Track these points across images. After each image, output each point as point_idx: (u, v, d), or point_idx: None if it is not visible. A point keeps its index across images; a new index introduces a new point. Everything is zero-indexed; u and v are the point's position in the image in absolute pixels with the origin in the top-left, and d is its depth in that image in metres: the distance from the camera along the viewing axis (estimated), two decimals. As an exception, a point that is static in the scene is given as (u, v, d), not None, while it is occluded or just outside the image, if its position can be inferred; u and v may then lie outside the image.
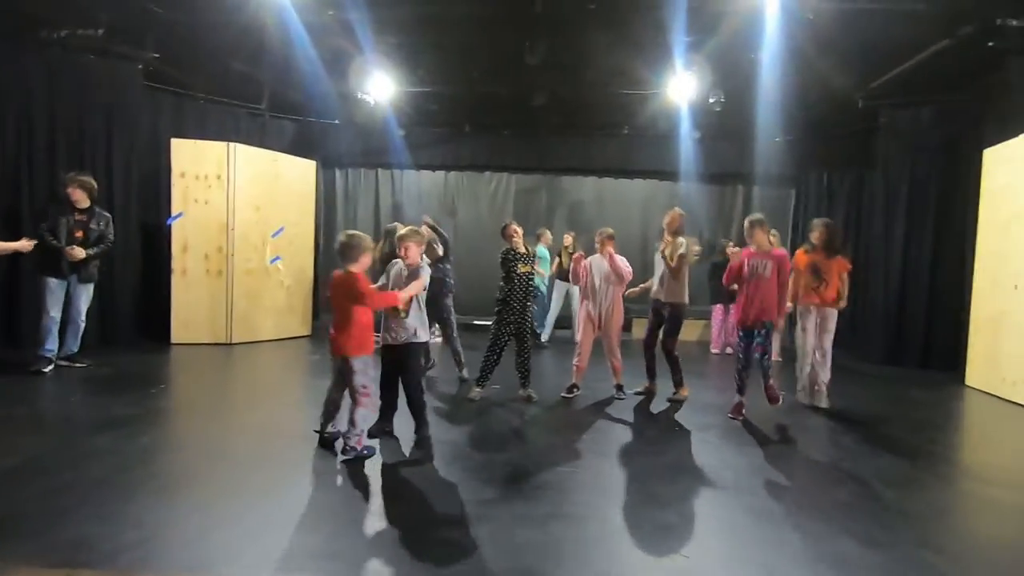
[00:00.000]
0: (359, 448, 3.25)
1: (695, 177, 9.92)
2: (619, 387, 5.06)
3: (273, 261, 7.34)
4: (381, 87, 7.94)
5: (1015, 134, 5.57)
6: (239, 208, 6.91)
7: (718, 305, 7.84)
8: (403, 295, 3.39)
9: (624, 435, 4.03)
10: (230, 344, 6.88)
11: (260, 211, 7.15)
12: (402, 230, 3.74)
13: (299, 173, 7.85)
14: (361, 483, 2.98)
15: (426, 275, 3.53)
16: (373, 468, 3.18)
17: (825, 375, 4.83)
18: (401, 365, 3.54)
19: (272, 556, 2.18)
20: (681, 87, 7.76)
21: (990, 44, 5.82)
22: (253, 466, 3.18)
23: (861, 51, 6.72)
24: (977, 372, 5.87)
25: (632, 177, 10.47)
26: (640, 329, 7.93)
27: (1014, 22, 5.66)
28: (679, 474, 3.25)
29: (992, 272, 5.75)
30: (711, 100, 8.09)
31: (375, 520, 2.58)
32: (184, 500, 2.68)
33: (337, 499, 2.81)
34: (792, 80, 7.39)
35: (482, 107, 9.40)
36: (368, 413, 3.32)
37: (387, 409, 3.67)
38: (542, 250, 8.08)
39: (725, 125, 9.14)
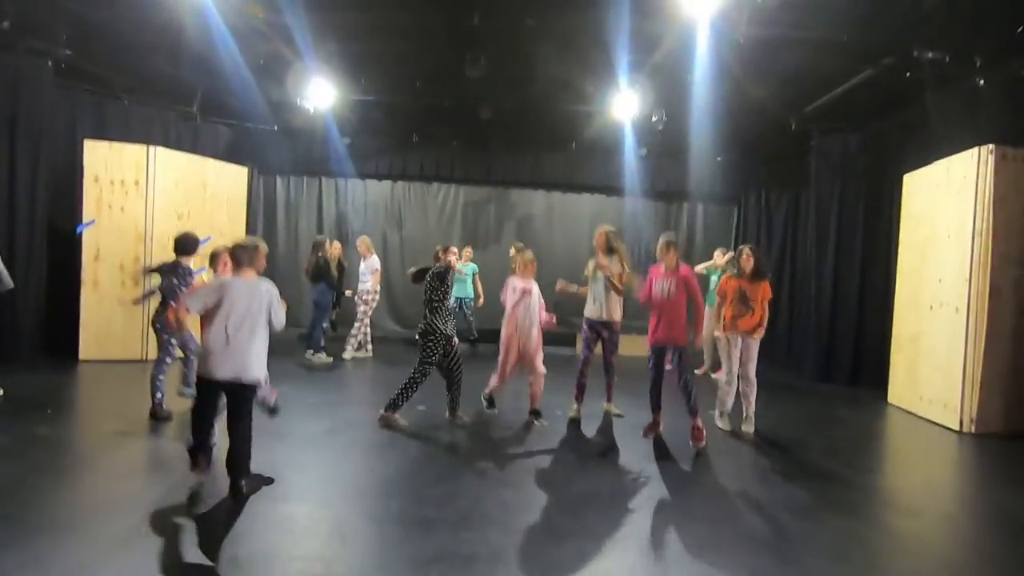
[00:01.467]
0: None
1: (641, 193, 10.04)
2: (536, 412, 4.90)
3: (198, 272, 6.94)
4: (322, 94, 7.68)
5: (933, 160, 5.78)
6: (159, 216, 6.53)
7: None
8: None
9: (539, 462, 3.91)
10: (146, 361, 6.45)
11: (184, 219, 6.76)
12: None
13: (230, 180, 7.52)
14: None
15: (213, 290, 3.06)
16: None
17: (751, 404, 4.74)
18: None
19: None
20: (624, 105, 7.82)
21: (908, 75, 6.06)
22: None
23: (792, 77, 6.90)
24: (898, 390, 6.04)
25: (580, 192, 10.50)
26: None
27: (929, 54, 5.90)
28: (584, 506, 3.14)
29: (911, 292, 5.93)
30: (653, 119, 8.19)
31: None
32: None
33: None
34: (730, 102, 7.55)
35: (428, 117, 9.25)
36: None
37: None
38: (465, 267, 8.13)
39: (669, 144, 9.27)
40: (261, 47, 6.62)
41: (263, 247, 3.16)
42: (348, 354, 7.34)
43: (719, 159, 9.53)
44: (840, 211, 7.55)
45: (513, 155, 9.99)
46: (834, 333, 7.49)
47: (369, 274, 7.50)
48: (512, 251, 8.22)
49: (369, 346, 7.61)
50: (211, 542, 2.53)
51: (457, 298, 8.12)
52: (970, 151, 5.16)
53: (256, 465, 3.03)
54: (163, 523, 2.80)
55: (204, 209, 7.06)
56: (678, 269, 4.48)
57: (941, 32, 5.64)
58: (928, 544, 2.99)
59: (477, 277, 8.49)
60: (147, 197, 6.47)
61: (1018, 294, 5.01)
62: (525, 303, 4.74)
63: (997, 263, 4.96)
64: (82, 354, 6.26)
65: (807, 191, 8.30)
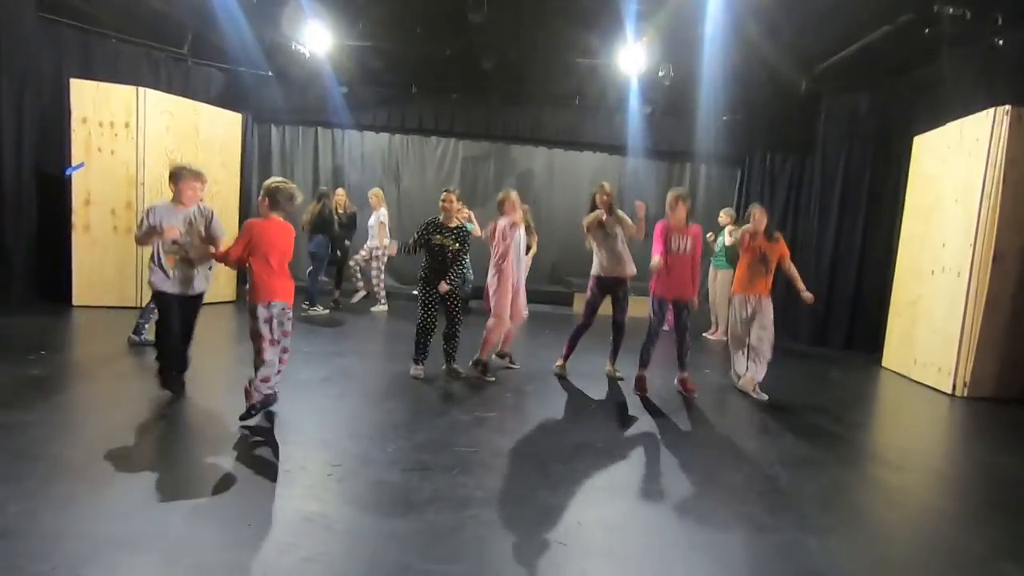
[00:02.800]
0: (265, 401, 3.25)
1: (644, 153, 9.84)
2: (507, 355, 5.02)
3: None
4: (318, 38, 7.40)
5: (945, 122, 5.64)
6: (150, 161, 6.36)
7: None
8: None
9: (536, 414, 3.93)
10: (141, 308, 6.40)
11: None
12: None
13: (223, 126, 7.30)
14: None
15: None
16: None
17: (764, 363, 4.61)
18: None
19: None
20: (631, 58, 7.58)
21: (926, 31, 5.83)
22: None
23: (806, 33, 6.66)
24: (893, 354, 6.07)
25: (582, 149, 10.28)
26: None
27: (950, 10, 5.67)
28: (579, 455, 3.16)
29: (913, 257, 5.89)
30: (660, 74, 7.95)
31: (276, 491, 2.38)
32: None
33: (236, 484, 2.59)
34: (739, 60, 7.31)
35: (428, 67, 8.94)
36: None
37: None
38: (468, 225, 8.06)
39: (674, 102, 9.03)
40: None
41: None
42: (377, 307, 7.55)
43: (725, 119, 9.28)
44: (845, 175, 7.43)
45: (514, 109, 9.71)
46: (831, 297, 7.48)
47: (376, 227, 7.46)
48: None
49: (383, 299, 7.66)
50: (205, 481, 2.54)
51: None
52: (985, 112, 5.02)
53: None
54: (155, 458, 2.82)
55: (197, 155, 6.86)
56: (692, 225, 4.41)
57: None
58: (914, 496, 3.04)
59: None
60: (138, 140, 6.28)
61: (1022, 260, 4.97)
62: (515, 240, 4.67)
63: (1003, 228, 4.90)
64: (75, 300, 6.20)
65: (813, 154, 8.14)
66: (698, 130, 9.32)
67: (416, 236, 4.45)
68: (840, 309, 7.41)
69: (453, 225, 4.45)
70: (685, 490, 2.81)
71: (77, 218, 6.16)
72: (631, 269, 4.68)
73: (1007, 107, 4.85)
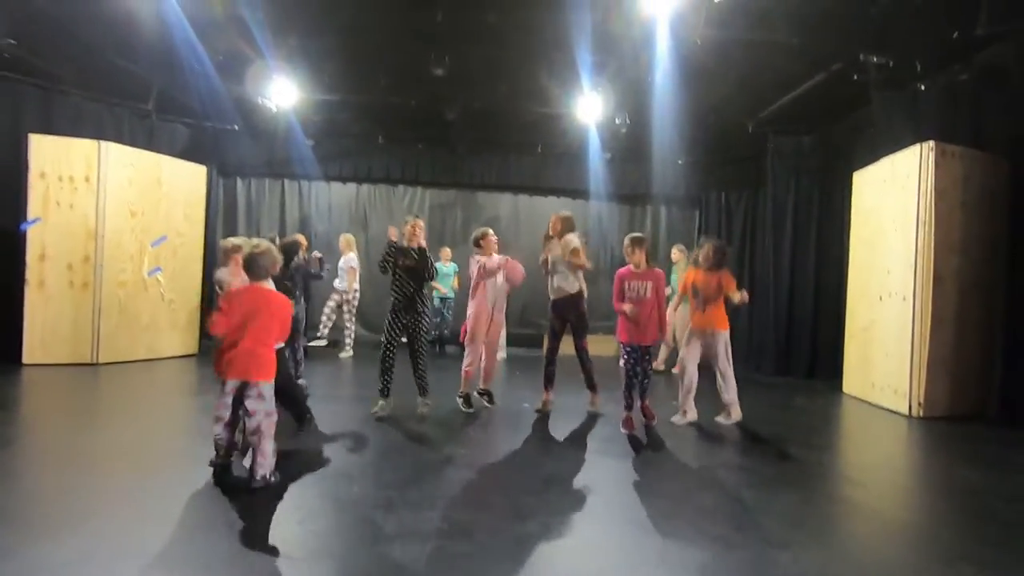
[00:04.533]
0: (268, 477, 2.90)
1: (606, 196, 10.19)
2: (487, 393, 4.98)
3: (152, 273, 6.73)
4: (284, 93, 7.58)
5: (880, 158, 6.06)
6: (111, 214, 6.29)
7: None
8: None
9: (505, 448, 3.90)
10: (96, 364, 6.18)
11: (137, 217, 6.55)
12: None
13: (187, 179, 7.31)
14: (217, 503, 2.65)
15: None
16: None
17: (730, 394, 4.72)
18: None
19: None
20: (588, 108, 7.96)
21: (855, 78, 6.35)
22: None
23: (748, 80, 7.15)
24: (852, 379, 6.26)
25: (546, 195, 10.57)
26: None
27: (875, 59, 6.20)
28: (549, 486, 3.14)
29: (862, 284, 6.18)
30: (617, 122, 8.38)
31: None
32: None
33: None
34: (690, 105, 7.76)
35: (394, 119, 9.22)
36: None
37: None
38: (446, 267, 8.17)
39: (632, 147, 9.44)
40: (220, 43, 6.50)
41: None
42: (344, 353, 7.53)
43: (680, 161, 9.75)
44: (795, 209, 7.84)
45: (479, 157, 10.02)
46: (791, 328, 7.73)
47: (345, 271, 7.49)
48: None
49: (350, 345, 7.61)
50: (160, 530, 2.43)
51: (441, 298, 8.38)
52: (912, 148, 5.43)
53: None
54: (124, 510, 2.68)
55: (159, 207, 6.84)
56: (652, 269, 4.56)
57: (885, 38, 5.96)
58: (877, 511, 3.08)
59: (456, 277, 8.59)
60: (98, 194, 6.23)
61: (959, 282, 5.27)
62: (492, 280, 4.77)
63: (939, 253, 5.21)
64: (26, 357, 5.95)
65: (764, 191, 8.58)
66: (656, 173, 9.77)
67: (384, 257, 4.54)
68: (800, 339, 7.64)
69: (415, 246, 4.56)
70: (653, 513, 2.80)
71: (31, 273, 5.99)
72: (576, 287, 4.79)
73: (931, 143, 5.27)
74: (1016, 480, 3.61)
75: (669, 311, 4.90)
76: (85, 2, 5.68)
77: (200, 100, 7.85)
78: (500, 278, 4.86)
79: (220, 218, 9.26)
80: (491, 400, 5.02)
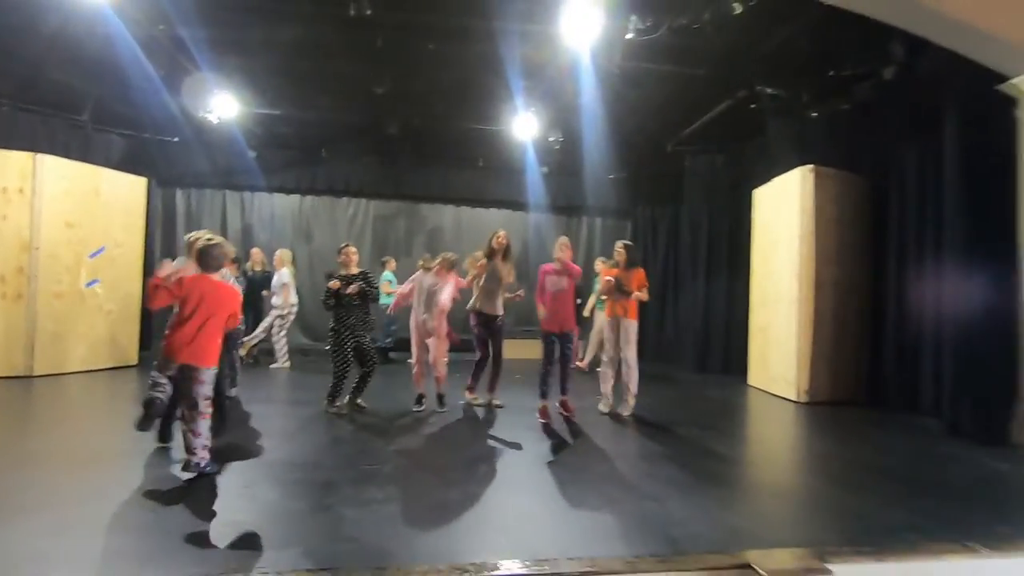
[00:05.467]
0: (203, 464, 3.15)
1: (544, 208, 10.78)
2: (439, 396, 5.32)
3: (90, 284, 6.74)
4: (225, 106, 7.75)
5: (774, 177, 6.89)
6: (46, 225, 6.30)
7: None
8: None
9: (440, 435, 4.33)
10: (31, 377, 6.15)
11: (74, 229, 6.57)
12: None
13: (125, 190, 7.34)
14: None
15: None
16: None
17: (633, 385, 5.29)
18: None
19: None
20: (524, 125, 8.52)
21: (752, 106, 7.19)
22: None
23: (664, 105, 7.92)
24: (754, 372, 7.04)
25: (488, 207, 11.04)
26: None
27: (769, 90, 7.06)
28: (474, 464, 3.60)
29: (761, 290, 6.98)
30: (550, 139, 9.00)
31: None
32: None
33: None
34: (616, 125, 8.47)
35: (337, 132, 9.48)
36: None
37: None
38: (389, 274, 8.48)
39: (567, 162, 10.08)
40: (161, 58, 6.64)
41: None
42: (278, 364, 7.56)
43: (611, 177, 10.49)
44: (709, 223, 8.66)
45: (422, 170, 10.37)
46: (708, 329, 8.52)
47: (279, 287, 7.60)
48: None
49: (285, 357, 7.70)
50: (137, 505, 2.71)
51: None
52: (796, 170, 6.26)
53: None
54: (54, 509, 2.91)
55: (97, 219, 6.87)
56: (568, 266, 5.11)
57: (776, 72, 6.81)
58: (758, 476, 3.71)
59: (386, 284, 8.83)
60: (33, 206, 6.23)
61: (836, 286, 6.11)
62: (419, 289, 5.22)
63: (820, 262, 6.05)
64: (-45, 370, 5.87)
65: (684, 205, 9.41)
66: (589, 187, 10.44)
67: (326, 300, 4.91)
68: (716, 338, 8.44)
69: (354, 272, 4.92)
70: (561, 481, 3.31)
71: (-39, 285, 5.93)
72: (499, 309, 5.31)
73: (810, 166, 6.11)
74: (867, 450, 4.35)
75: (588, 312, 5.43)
76: (19, 15, 5.74)
77: (140, 112, 7.91)
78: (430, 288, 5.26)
79: (159, 229, 9.24)
80: (442, 403, 5.28)
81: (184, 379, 3.13)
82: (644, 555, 2.32)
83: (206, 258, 3.24)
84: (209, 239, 3.38)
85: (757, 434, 5.09)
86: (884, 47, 5.82)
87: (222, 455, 3.51)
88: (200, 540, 2.42)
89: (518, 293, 5.37)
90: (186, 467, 3.13)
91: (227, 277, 3.69)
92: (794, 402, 6.00)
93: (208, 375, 3.16)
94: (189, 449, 3.12)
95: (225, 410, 4.19)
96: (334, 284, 4.85)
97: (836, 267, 6.12)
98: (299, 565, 2.18)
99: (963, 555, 2.40)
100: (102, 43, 6.19)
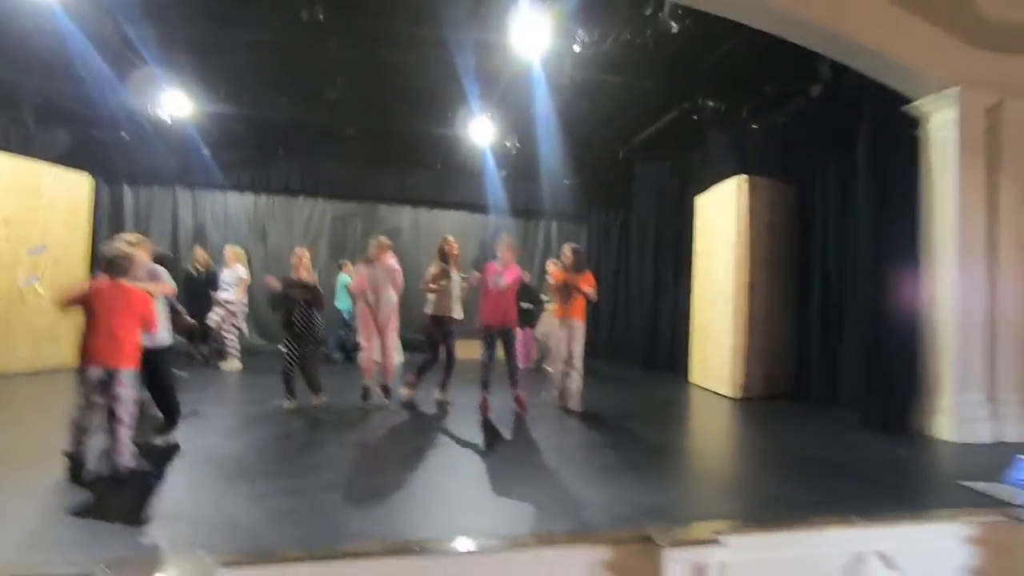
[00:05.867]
0: (133, 465, 3.18)
1: (503, 211, 10.98)
2: (385, 388, 5.44)
3: (29, 282, 6.57)
4: (178, 104, 7.66)
5: (712, 186, 7.29)
6: (-17, 222, 6.13)
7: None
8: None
9: (379, 431, 4.47)
10: (-34, 378, 5.97)
11: (12, 226, 6.40)
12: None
13: (68, 187, 7.18)
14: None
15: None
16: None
17: (578, 381, 5.56)
18: (154, 370, 3.61)
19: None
20: (481, 130, 8.69)
21: (695, 118, 7.58)
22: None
23: (613, 115, 8.25)
24: (695, 370, 7.41)
25: (446, 208, 11.19)
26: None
27: (710, 103, 7.45)
28: (414, 456, 3.75)
29: (701, 291, 7.36)
30: (507, 144, 9.21)
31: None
32: None
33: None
34: (570, 133, 8.75)
35: (294, 132, 9.44)
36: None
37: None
38: (344, 278, 8.49)
39: (524, 167, 10.30)
40: (110, 55, 6.54)
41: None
42: (228, 363, 7.46)
43: (566, 182, 10.78)
44: (657, 227, 9.04)
45: (380, 171, 10.41)
46: (655, 329, 8.88)
47: (233, 284, 7.55)
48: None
49: (236, 354, 7.64)
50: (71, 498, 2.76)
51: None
52: (732, 179, 6.65)
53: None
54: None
55: (37, 216, 6.70)
56: (509, 267, 5.32)
57: (717, 86, 7.20)
58: (690, 468, 4.01)
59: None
60: (-31, 201, 6.05)
61: (768, 287, 6.52)
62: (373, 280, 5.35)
63: (753, 264, 6.44)
64: None
65: (634, 211, 9.77)
66: (546, 191, 10.70)
67: (274, 304, 5.04)
68: (663, 338, 8.80)
69: (305, 279, 5.02)
70: (495, 466, 3.53)
71: None
72: (458, 313, 5.48)
73: (744, 176, 6.51)
74: (787, 440, 4.72)
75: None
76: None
77: (88, 108, 7.73)
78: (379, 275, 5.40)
79: (105, 226, 9.01)
80: (388, 395, 5.44)
81: (106, 383, 3.20)
82: (558, 532, 2.53)
83: (113, 266, 3.35)
84: (117, 249, 3.44)
85: (690, 426, 5.41)
86: (812, 67, 6.27)
87: (166, 452, 3.57)
88: (135, 526, 2.51)
89: (474, 275, 5.55)
90: (112, 468, 3.16)
91: (159, 276, 3.74)
92: (729, 398, 6.36)
93: (127, 376, 3.22)
94: (111, 452, 3.18)
95: (176, 408, 4.17)
96: (269, 281, 5.02)
97: (768, 270, 6.54)
98: (239, 549, 2.29)
99: (841, 525, 2.71)
100: (49, 39, 6.08)
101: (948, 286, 4.75)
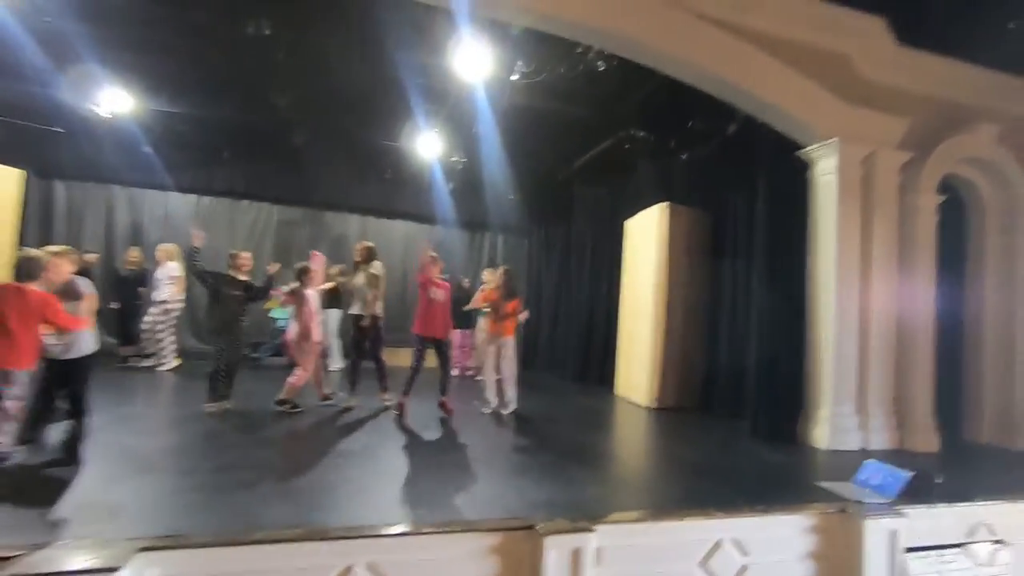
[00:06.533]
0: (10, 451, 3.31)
1: (449, 223, 11.28)
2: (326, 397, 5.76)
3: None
4: (117, 101, 7.60)
5: (641, 211, 7.85)
6: (-100, 215, 5.95)
7: (456, 330, 9.04)
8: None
9: (304, 432, 4.69)
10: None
11: (-68, 219, 6.23)
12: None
13: (-3, 181, 7.01)
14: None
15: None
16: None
17: (512, 391, 5.99)
18: (69, 377, 3.70)
19: None
20: (428, 144, 8.99)
21: (627, 147, 8.15)
22: None
23: (553, 140, 8.74)
24: (620, 382, 7.92)
25: (394, 218, 11.41)
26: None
27: (641, 133, 8.04)
28: (344, 456, 4.01)
29: (628, 307, 7.90)
30: (454, 159, 9.54)
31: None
32: None
33: None
34: (512, 151, 9.17)
35: (239, 135, 9.45)
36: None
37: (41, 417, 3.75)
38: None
39: (470, 181, 10.63)
40: (47, 49, 6.48)
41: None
42: (167, 364, 7.40)
43: (511, 197, 11.20)
44: (594, 246, 9.57)
45: (328, 179, 10.50)
46: (588, 343, 9.37)
47: (166, 281, 7.50)
48: (334, 270, 8.78)
49: (172, 357, 7.59)
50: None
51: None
52: (656, 206, 7.23)
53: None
54: None
55: (-38, 210, 6.54)
56: (440, 281, 5.66)
57: (646, 119, 7.79)
58: (615, 474, 4.41)
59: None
60: None
61: (683, 307, 7.10)
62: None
63: (671, 284, 7.01)
64: None
65: (573, 228, 10.29)
66: (491, 205, 11.09)
67: (207, 273, 5.17)
68: (595, 353, 9.28)
69: (241, 279, 5.17)
70: (412, 464, 3.82)
71: None
72: (379, 310, 5.82)
73: (666, 203, 7.09)
74: (683, 446, 5.22)
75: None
76: None
77: (18, 99, 7.55)
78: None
79: (36, 223, 8.76)
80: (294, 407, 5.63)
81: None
82: (451, 520, 2.86)
83: (18, 270, 3.48)
84: (54, 252, 3.60)
85: (599, 433, 5.82)
86: (730, 107, 6.91)
87: (78, 448, 3.67)
88: (52, 515, 2.67)
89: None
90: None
91: (77, 289, 3.82)
92: (645, 408, 6.87)
93: (15, 377, 3.32)
94: None
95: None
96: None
97: (685, 290, 7.12)
98: (154, 532, 2.50)
99: (702, 516, 3.16)
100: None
101: (827, 310, 5.40)
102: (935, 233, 5.67)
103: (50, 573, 2.09)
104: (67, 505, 2.87)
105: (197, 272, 5.20)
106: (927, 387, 5.52)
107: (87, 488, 3.11)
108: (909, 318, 5.53)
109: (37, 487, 3.08)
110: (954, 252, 6.01)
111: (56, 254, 3.68)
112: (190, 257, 5.26)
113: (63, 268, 3.69)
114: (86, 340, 3.74)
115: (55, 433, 3.76)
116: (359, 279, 5.81)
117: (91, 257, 7.50)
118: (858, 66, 5.49)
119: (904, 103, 5.62)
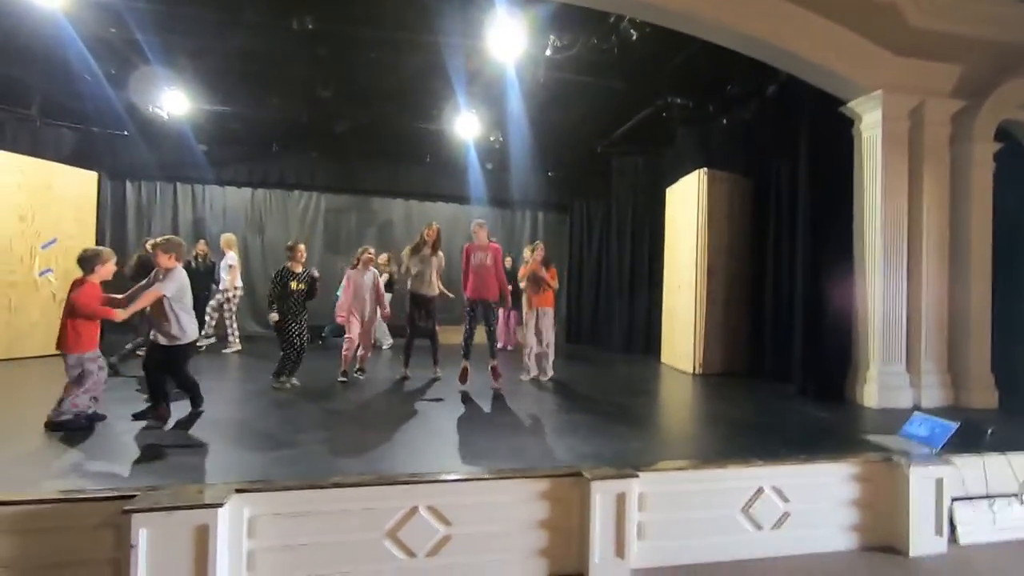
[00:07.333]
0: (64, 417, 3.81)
1: (490, 202, 11.48)
2: (361, 369, 6.16)
3: (43, 274, 7.08)
4: (176, 103, 8.12)
5: (680, 179, 7.82)
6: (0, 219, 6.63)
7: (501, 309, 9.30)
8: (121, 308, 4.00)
9: (369, 401, 5.04)
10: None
11: (26, 221, 6.91)
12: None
13: (76, 184, 7.66)
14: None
15: (164, 285, 4.09)
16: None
17: (550, 359, 6.26)
18: (167, 361, 4.16)
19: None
20: (466, 126, 9.17)
21: (664, 115, 8.09)
22: None
23: (590, 113, 8.74)
24: (665, 351, 7.99)
25: (436, 201, 11.68)
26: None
27: (678, 100, 7.95)
28: (403, 419, 4.33)
29: (671, 277, 7.92)
30: (492, 139, 9.69)
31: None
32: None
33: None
34: (550, 128, 9.25)
35: (287, 129, 9.90)
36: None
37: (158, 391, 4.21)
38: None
39: (508, 160, 10.80)
40: (111, 56, 7.00)
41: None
42: (230, 349, 7.98)
43: (550, 174, 11.29)
44: (634, 218, 9.58)
45: (372, 166, 10.89)
46: (633, 314, 9.45)
47: (226, 270, 8.04)
48: (382, 258, 9.18)
49: (236, 340, 8.13)
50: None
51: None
52: (694, 173, 7.19)
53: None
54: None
55: (49, 212, 7.20)
56: (489, 245, 5.88)
57: (684, 86, 7.70)
58: (654, 422, 4.61)
59: None
60: (-14, 199, 6.55)
61: (725, 274, 7.09)
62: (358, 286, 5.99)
63: (712, 252, 7.00)
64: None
65: (613, 202, 10.30)
66: (530, 183, 11.23)
67: (272, 289, 5.56)
68: (639, 322, 9.37)
69: (299, 271, 5.56)
70: (466, 425, 4.08)
71: (-84, 274, 6.22)
72: (434, 291, 6.10)
73: (704, 169, 7.04)
74: (730, 407, 5.29)
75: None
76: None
77: (89, 106, 8.19)
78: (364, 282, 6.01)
79: (110, 221, 9.51)
80: (363, 373, 6.15)
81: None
82: (507, 469, 3.11)
83: (79, 263, 3.94)
84: (154, 244, 4.08)
85: (650, 396, 5.98)
86: (768, 68, 6.78)
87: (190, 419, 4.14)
88: (160, 466, 3.08)
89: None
90: (51, 421, 3.80)
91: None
92: (691, 374, 6.94)
93: (71, 359, 3.86)
94: (57, 404, 3.84)
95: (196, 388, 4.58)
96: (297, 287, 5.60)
97: (726, 257, 7.09)
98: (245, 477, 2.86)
99: (742, 465, 3.29)
100: (52, 41, 6.53)
101: (875, 270, 5.31)
102: (991, 184, 5.45)
103: (167, 507, 2.45)
104: (168, 459, 3.28)
105: (270, 296, 5.59)
106: (983, 343, 5.38)
107: (183, 447, 3.52)
108: (963, 274, 5.37)
109: (153, 445, 3.52)
110: (1011, 203, 5.75)
111: (156, 246, 4.14)
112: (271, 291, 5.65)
113: (109, 266, 4.03)
114: (184, 330, 4.19)
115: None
116: (424, 259, 6.07)
117: (201, 248, 8.26)
118: (906, 13, 5.29)
119: (955, 49, 5.39)
